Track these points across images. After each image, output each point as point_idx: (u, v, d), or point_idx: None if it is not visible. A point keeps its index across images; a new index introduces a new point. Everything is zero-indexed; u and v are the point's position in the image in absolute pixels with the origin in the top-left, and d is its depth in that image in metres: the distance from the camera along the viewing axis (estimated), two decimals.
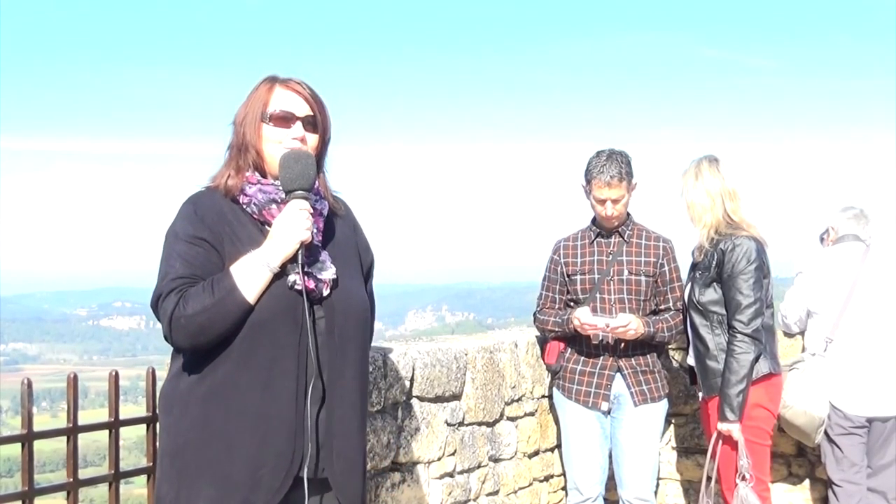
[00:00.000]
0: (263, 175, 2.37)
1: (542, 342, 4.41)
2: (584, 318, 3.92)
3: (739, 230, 3.81)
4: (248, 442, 2.21)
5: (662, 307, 4.09)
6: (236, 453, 2.21)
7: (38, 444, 2.68)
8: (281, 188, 2.29)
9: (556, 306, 4.19)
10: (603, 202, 3.96)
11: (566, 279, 4.14)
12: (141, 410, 3.01)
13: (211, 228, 2.27)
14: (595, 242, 4.11)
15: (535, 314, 4.27)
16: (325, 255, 2.34)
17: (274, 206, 2.30)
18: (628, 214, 4.10)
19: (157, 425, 3.07)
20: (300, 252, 2.23)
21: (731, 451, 3.76)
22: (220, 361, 2.23)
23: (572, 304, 4.12)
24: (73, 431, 2.76)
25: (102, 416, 2.89)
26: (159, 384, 3.00)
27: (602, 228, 4.09)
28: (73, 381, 2.77)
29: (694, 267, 3.97)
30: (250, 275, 2.21)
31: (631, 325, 3.87)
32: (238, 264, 2.23)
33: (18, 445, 2.63)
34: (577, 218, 4.28)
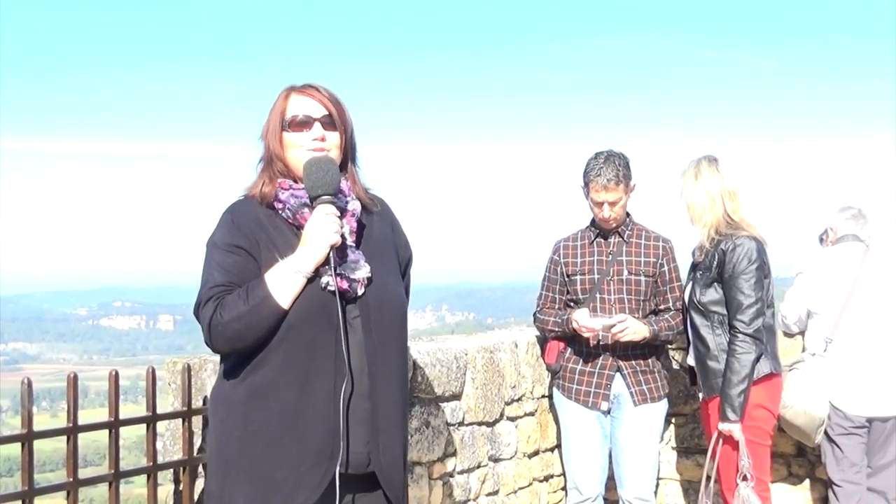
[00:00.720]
0: (294, 181, 2.44)
1: (542, 342, 4.42)
2: (582, 321, 3.92)
3: (740, 230, 3.80)
4: (288, 441, 2.28)
5: (662, 307, 4.09)
6: (277, 452, 2.28)
7: (38, 444, 2.68)
8: (306, 194, 2.36)
9: (556, 306, 4.19)
10: (600, 205, 3.96)
11: (566, 279, 4.14)
12: (141, 410, 3.01)
13: (247, 236, 2.36)
14: (595, 243, 4.11)
15: (534, 314, 4.28)
16: (358, 255, 2.39)
17: (306, 209, 2.37)
18: (628, 214, 4.10)
19: (154, 424, 3.07)
20: (331, 255, 2.29)
21: (731, 451, 3.76)
22: (259, 364, 2.31)
23: (572, 304, 4.12)
24: (72, 431, 2.76)
25: (102, 415, 2.89)
26: (159, 384, 3.01)
27: (601, 229, 4.09)
28: (73, 381, 2.77)
29: (694, 267, 3.97)
30: (283, 282, 2.28)
31: (629, 322, 3.87)
32: (271, 272, 2.30)
33: (18, 445, 2.63)
34: (577, 218, 4.28)
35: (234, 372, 2.35)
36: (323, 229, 2.29)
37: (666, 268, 4.07)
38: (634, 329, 3.89)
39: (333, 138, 2.42)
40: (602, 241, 4.11)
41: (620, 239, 4.08)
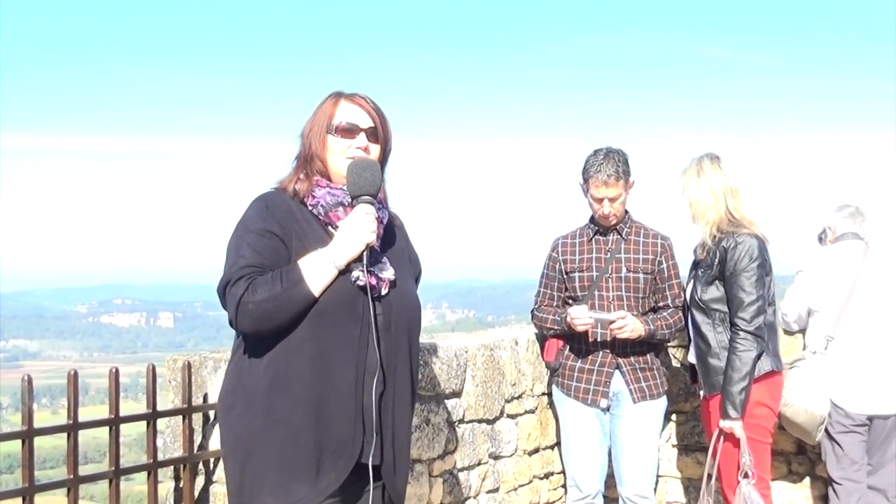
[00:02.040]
0: (330, 181, 2.49)
1: (541, 339, 4.41)
2: (579, 314, 3.92)
3: (741, 228, 3.80)
4: (310, 428, 2.32)
5: (661, 304, 4.08)
6: (300, 439, 2.32)
7: (39, 441, 2.68)
8: (348, 193, 2.42)
9: (555, 304, 4.19)
10: (600, 201, 3.96)
11: (564, 277, 4.14)
12: (141, 407, 3.01)
13: (280, 223, 2.40)
14: (594, 240, 4.11)
15: (533, 312, 4.27)
16: (384, 258, 2.47)
17: (340, 208, 2.44)
18: (626, 212, 4.10)
19: (154, 421, 3.07)
20: (365, 253, 2.35)
21: (732, 449, 3.76)
22: (282, 351, 2.34)
23: (570, 301, 4.12)
24: (73, 428, 2.76)
25: (103, 412, 2.89)
26: (159, 381, 3.01)
27: (600, 226, 4.09)
28: (74, 378, 2.77)
29: (696, 265, 3.96)
30: (317, 270, 2.33)
31: (627, 319, 3.87)
32: (306, 259, 2.35)
33: (19, 442, 2.63)
34: (578, 216, 4.30)
35: (255, 363, 2.38)
36: (362, 227, 2.36)
37: (665, 265, 4.07)
38: (633, 326, 3.89)
39: (374, 150, 2.50)
40: (601, 238, 4.10)
41: (619, 236, 4.08)
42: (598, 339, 4.01)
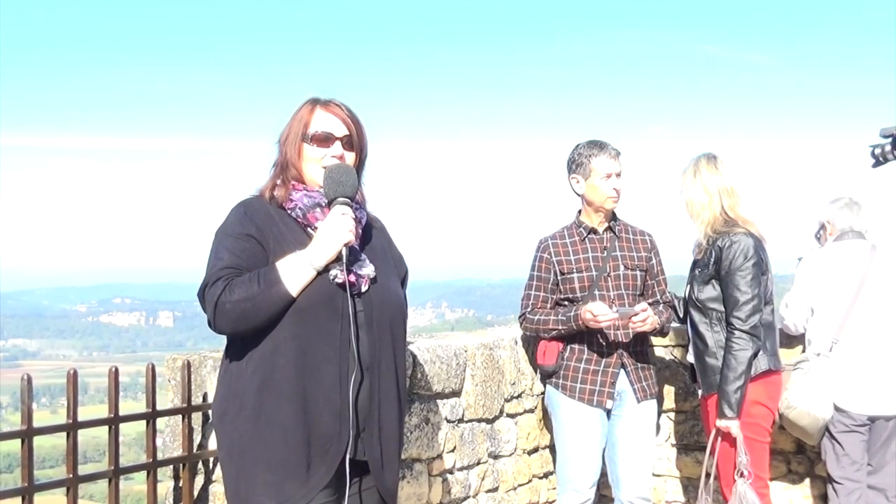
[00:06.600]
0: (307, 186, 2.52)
1: (534, 342, 4.32)
2: (601, 310, 3.81)
3: (736, 227, 3.80)
4: (298, 425, 2.35)
5: (651, 301, 4.05)
6: (289, 437, 2.34)
7: (38, 440, 2.69)
8: (325, 195, 2.45)
9: (549, 306, 4.11)
10: (610, 176, 3.95)
11: (559, 278, 4.07)
12: (141, 406, 3.01)
13: (258, 227, 2.43)
14: (587, 239, 4.07)
15: (525, 315, 4.14)
16: (363, 256, 2.49)
17: (318, 209, 2.47)
18: (614, 211, 4.09)
19: (154, 421, 3.07)
20: (343, 252, 2.37)
21: (730, 448, 3.76)
22: (266, 353, 2.37)
23: (566, 303, 4.04)
24: (72, 427, 2.77)
25: (102, 412, 2.90)
26: (159, 380, 3.01)
27: (590, 225, 4.05)
28: (73, 378, 2.77)
29: (693, 264, 3.97)
30: (295, 271, 2.36)
31: (649, 311, 3.82)
32: (285, 260, 2.37)
33: (18, 441, 2.63)
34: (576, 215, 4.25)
35: (244, 365, 2.40)
36: (339, 228, 2.38)
37: (654, 261, 4.08)
38: (653, 319, 3.85)
39: (350, 157, 2.52)
40: (594, 237, 4.06)
41: (612, 234, 4.06)
42: (611, 338, 3.95)
